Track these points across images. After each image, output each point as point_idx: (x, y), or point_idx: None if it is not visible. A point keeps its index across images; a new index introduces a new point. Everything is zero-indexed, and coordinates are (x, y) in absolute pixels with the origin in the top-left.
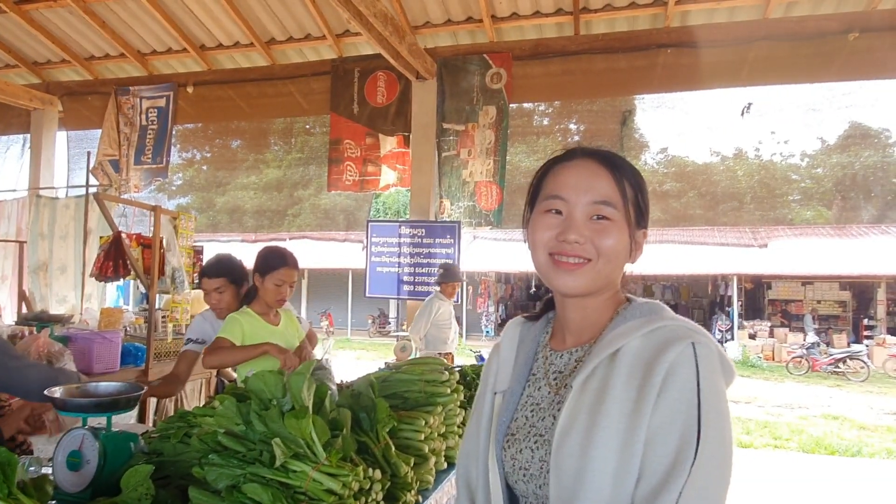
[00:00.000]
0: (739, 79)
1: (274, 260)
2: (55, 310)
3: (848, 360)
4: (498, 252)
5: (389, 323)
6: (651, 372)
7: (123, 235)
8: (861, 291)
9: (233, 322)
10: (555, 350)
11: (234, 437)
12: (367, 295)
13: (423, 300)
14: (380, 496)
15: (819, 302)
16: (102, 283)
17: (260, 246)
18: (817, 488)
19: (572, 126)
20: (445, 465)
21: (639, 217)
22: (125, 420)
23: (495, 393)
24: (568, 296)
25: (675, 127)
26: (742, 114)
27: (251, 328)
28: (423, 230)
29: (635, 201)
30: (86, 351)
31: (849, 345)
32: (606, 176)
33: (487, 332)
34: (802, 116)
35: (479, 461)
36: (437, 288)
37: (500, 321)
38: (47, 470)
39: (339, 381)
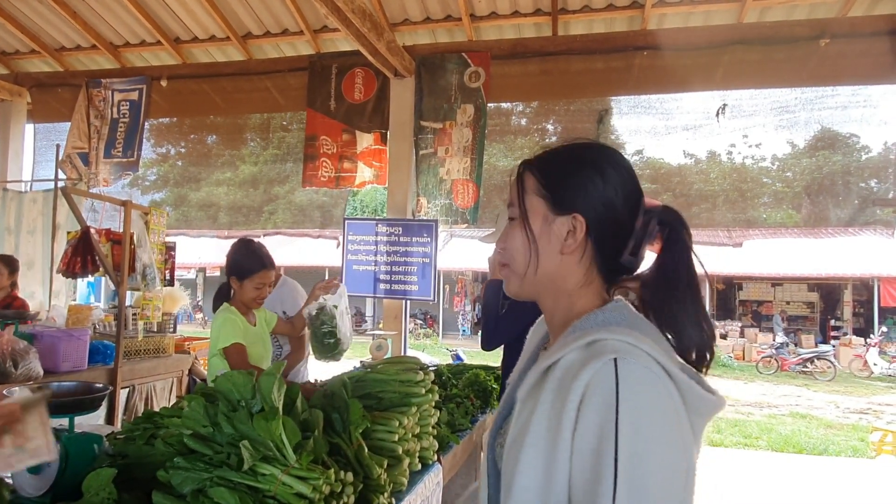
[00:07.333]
0: (714, 82)
1: (252, 263)
2: None
3: (815, 360)
4: (474, 251)
5: (366, 321)
6: (567, 391)
7: (92, 231)
8: (828, 293)
9: (232, 324)
10: (546, 351)
11: (200, 440)
12: None
13: (400, 299)
14: (352, 499)
15: (788, 303)
16: (71, 279)
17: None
18: (786, 486)
19: (549, 126)
20: (420, 466)
21: (555, 202)
22: (92, 421)
23: (508, 383)
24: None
25: (650, 129)
26: (717, 115)
27: (242, 327)
28: (401, 228)
29: (542, 188)
30: (52, 349)
31: (816, 345)
32: (514, 179)
33: (464, 330)
34: (774, 120)
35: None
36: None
37: (475, 320)
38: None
39: (312, 380)
